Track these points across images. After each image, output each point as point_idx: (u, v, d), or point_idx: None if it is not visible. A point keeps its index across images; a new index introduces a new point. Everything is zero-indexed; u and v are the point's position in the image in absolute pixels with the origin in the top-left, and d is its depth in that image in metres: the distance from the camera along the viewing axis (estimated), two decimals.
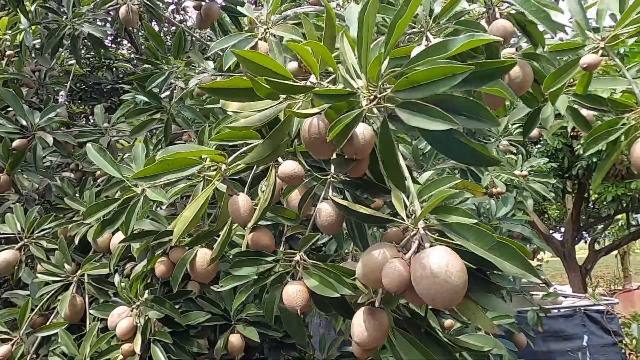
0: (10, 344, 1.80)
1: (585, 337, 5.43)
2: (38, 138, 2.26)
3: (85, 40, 2.85)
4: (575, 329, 5.46)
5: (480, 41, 0.64)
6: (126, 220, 1.37)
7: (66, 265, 2.02)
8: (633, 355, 5.51)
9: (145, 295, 1.86)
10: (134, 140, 2.65)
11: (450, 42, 0.65)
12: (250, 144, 1.14)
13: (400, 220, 0.98)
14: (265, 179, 1.23)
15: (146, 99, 3.56)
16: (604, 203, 9.53)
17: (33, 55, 2.93)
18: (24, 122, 2.29)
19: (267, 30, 1.39)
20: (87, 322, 1.93)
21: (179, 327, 1.83)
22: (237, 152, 1.09)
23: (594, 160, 8.29)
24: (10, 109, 2.51)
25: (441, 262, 0.81)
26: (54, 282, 1.95)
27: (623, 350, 5.40)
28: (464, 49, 0.64)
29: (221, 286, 1.29)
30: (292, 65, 1.37)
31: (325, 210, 1.12)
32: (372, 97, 0.72)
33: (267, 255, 1.14)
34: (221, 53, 2.22)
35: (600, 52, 1.10)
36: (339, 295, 1.00)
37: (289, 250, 1.15)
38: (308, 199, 1.25)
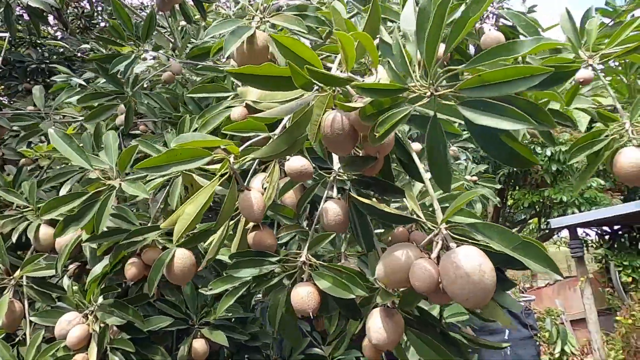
0: None
1: (507, 331, 5.90)
2: None
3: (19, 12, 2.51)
4: (497, 324, 5.91)
5: (547, 45, 0.65)
6: (97, 217, 1.22)
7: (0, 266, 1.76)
8: (545, 347, 6.10)
9: (100, 300, 1.68)
10: (78, 127, 2.40)
11: (518, 44, 0.65)
12: (258, 136, 1.07)
13: (422, 220, 0.98)
14: (267, 174, 1.16)
15: (82, 82, 3.26)
16: (519, 208, 10.48)
17: None
18: None
19: (262, 20, 1.32)
20: (28, 331, 1.69)
21: (139, 333, 1.68)
22: (245, 145, 1.02)
23: (515, 169, 9.07)
24: None
25: (474, 262, 0.82)
26: None
27: (538, 343, 5.96)
28: (534, 51, 0.65)
29: (210, 289, 1.20)
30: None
31: (332, 210, 1.09)
32: (428, 93, 0.70)
33: (270, 255, 1.07)
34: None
35: (590, 68, 1.19)
36: (354, 296, 0.97)
37: (292, 251, 1.10)
38: (310, 197, 1.20)
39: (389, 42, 0.78)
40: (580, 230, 8.47)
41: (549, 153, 8.57)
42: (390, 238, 1.25)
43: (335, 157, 1.21)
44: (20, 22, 4.33)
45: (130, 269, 1.41)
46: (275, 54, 1.25)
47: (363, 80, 0.85)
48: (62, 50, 5.06)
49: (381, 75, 0.87)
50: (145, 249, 1.42)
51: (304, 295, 0.99)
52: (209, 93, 1.41)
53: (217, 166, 1.02)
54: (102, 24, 6.01)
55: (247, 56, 1.25)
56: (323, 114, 0.95)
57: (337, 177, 1.17)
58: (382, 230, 1.36)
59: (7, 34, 2.47)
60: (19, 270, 1.75)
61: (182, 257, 1.36)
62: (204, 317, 1.87)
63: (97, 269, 1.55)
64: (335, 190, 1.15)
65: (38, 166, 2.62)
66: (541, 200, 9.07)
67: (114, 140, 1.35)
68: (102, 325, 1.60)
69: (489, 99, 0.64)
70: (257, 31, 1.27)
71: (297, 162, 1.05)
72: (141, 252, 1.44)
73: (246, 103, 1.36)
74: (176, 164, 0.88)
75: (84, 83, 3.19)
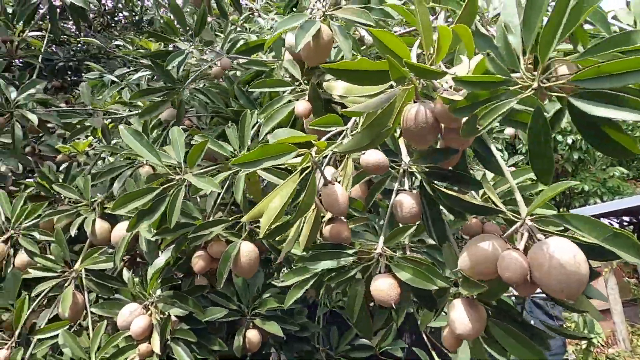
0: (6, 348, 1.58)
1: (532, 322, 5.88)
2: (18, 116, 2.00)
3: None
4: (525, 316, 5.89)
5: None
6: (169, 211, 1.26)
7: None
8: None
9: (159, 292, 1.72)
10: (122, 122, 2.44)
11: (635, 34, 0.66)
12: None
13: (505, 211, 0.98)
14: (339, 168, 1.18)
15: (114, 79, 3.32)
16: None
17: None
18: None
19: (326, 13, 1.33)
20: (90, 322, 1.75)
21: (197, 324, 1.72)
22: (324, 137, 1.04)
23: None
24: None
25: (569, 253, 0.82)
26: (50, 278, 1.74)
27: None
28: None
29: (282, 280, 1.23)
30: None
31: (407, 202, 1.10)
32: (535, 85, 0.71)
33: (347, 248, 1.09)
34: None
35: None
36: (436, 287, 0.99)
37: (369, 243, 1.12)
38: (380, 190, 1.22)
39: (485, 34, 0.79)
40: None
41: (570, 141, 8.44)
42: (464, 230, 1.26)
43: (403, 150, 1.22)
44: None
45: (198, 262, 1.44)
46: (342, 47, 1.26)
47: (455, 73, 0.86)
48: (85, 47, 5.12)
49: (469, 67, 0.87)
50: (210, 243, 1.46)
51: (385, 288, 1.01)
52: (269, 87, 1.42)
53: (295, 160, 1.04)
54: (124, 21, 6.06)
55: (314, 50, 1.26)
56: (402, 108, 0.96)
57: (408, 170, 1.18)
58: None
59: (41, 33, 2.51)
60: (78, 263, 1.80)
61: (248, 250, 1.39)
62: (257, 308, 1.91)
63: (160, 262, 1.59)
64: (407, 182, 1.16)
65: (77, 163, 2.68)
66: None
67: (180, 135, 1.38)
68: (162, 316, 1.65)
69: (608, 90, 0.64)
70: (322, 25, 1.28)
71: (374, 156, 1.06)
72: (206, 245, 1.47)
73: (309, 97, 1.38)
74: (268, 159, 0.90)
75: (116, 80, 3.25)
